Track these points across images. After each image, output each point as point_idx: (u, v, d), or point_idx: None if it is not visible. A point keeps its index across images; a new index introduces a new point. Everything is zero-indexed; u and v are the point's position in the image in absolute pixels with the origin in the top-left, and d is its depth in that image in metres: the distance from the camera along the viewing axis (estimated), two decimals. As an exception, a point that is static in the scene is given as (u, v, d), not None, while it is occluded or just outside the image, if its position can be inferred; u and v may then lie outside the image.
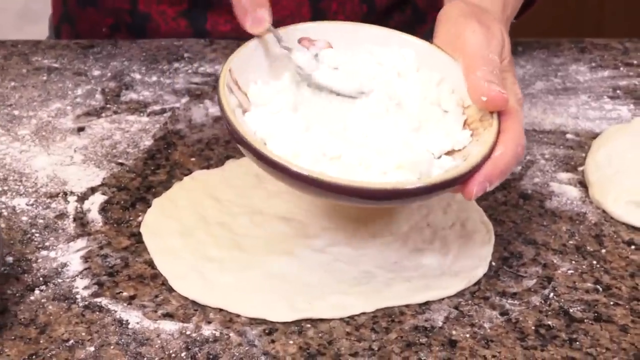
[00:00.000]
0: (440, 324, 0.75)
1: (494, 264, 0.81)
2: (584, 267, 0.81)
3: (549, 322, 0.75)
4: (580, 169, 0.93)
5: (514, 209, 0.88)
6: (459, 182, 0.72)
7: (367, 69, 0.81)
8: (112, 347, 0.72)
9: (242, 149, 0.73)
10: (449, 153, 0.76)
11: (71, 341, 0.73)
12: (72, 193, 0.89)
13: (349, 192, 0.70)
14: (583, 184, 0.91)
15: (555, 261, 0.82)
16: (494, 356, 0.72)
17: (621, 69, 1.10)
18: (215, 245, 0.82)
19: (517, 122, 0.75)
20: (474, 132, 0.76)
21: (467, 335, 0.74)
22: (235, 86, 0.76)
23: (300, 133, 0.75)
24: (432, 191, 0.71)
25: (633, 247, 0.83)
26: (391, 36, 0.82)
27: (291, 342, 0.73)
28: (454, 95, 0.79)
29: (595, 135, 0.97)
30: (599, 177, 0.89)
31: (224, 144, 0.96)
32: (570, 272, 0.80)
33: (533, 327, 0.75)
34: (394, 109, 0.79)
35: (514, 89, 0.78)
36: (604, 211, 0.87)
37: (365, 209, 0.85)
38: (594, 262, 0.82)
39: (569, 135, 0.98)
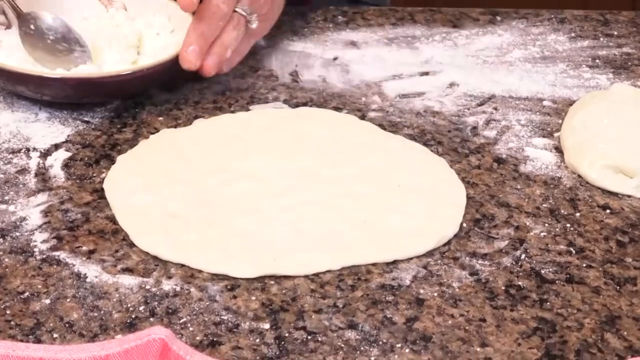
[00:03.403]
0: (407, 282, 0.73)
1: (465, 225, 0.79)
2: (557, 229, 0.79)
3: (520, 283, 0.73)
4: (556, 134, 0.91)
5: (487, 172, 0.86)
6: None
7: None
8: (68, 299, 0.70)
9: None
10: None
11: (26, 293, 0.70)
12: (35, 149, 0.86)
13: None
14: (559, 150, 0.89)
15: (528, 223, 0.80)
16: (461, 315, 0.70)
17: (601, 39, 1.08)
18: (180, 202, 0.80)
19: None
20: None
21: (435, 294, 0.72)
22: None
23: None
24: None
25: (608, 211, 0.82)
26: None
27: (253, 298, 0.71)
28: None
29: (572, 103, 0.95)
30: (575, 142, 0.87)
31: (193, 104, 0.94)
32: (543, 234, 0.79)
33: (503, 288, 0.73)
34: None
35: None
36: (579, 176, 0.86)
37: (338, 168, 0.83)
38: (568, 225, 0.80)
39: (545, 102, 0.97)
